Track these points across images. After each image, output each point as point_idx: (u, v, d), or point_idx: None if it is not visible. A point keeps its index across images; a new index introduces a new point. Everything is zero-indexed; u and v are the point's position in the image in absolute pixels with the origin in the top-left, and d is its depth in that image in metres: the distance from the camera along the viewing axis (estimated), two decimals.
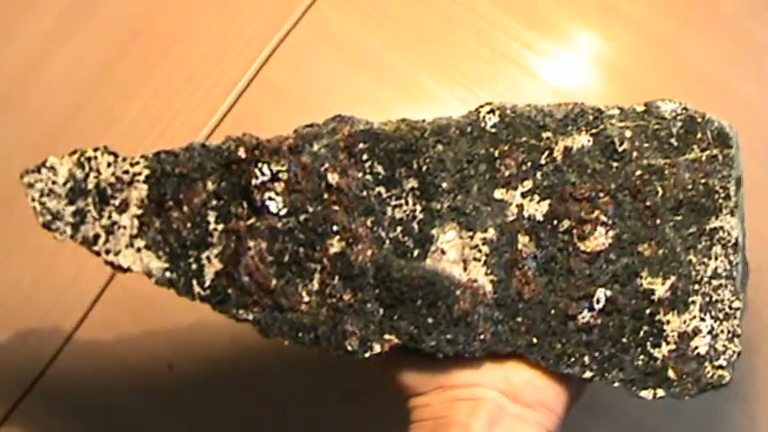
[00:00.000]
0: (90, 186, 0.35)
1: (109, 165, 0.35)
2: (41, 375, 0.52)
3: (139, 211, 0.35)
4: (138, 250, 0.35)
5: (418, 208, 0.36)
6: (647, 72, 0.60)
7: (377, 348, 0.35)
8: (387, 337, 0.35)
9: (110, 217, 0.35)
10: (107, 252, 0.35)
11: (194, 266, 0.35)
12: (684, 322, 0.36)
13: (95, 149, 0.35)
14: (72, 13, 0.60)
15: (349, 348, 0.35)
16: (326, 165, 0.35)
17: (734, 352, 0.36)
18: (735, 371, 0.37)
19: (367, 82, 0.58)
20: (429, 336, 0.35)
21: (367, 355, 0.35)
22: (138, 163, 0.35)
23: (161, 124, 0.57)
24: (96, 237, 0.35)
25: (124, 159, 0.35)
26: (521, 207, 0.36)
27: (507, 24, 0.61)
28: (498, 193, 0.36)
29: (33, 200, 0.34)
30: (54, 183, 0.35)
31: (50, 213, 0.34)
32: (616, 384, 0.36)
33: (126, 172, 0.35)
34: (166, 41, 0.59)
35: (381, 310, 0.35)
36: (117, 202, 0.35)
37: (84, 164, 0.35)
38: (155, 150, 0.36)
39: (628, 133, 0.36)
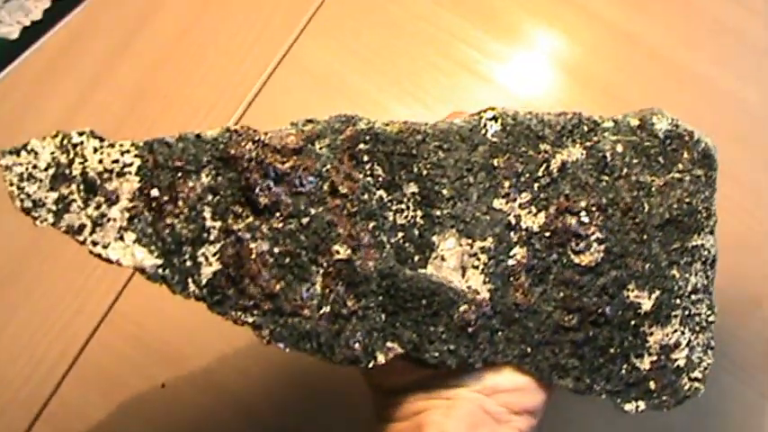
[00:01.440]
0: (75, 173, 0.32)
1: (95, 150, 0.33)
2: (48, 402, 0.51)
3: (130, 204, 0.33)
4: (129, 244, 0.32)
5: (419, 214, 0.35)
6: (610, 70, 0.62)
7: (381, 359, 0.34)
8: (389, 345, 0.34)
9: (98, 207, 0.32)
10: (94, 243, 0.32)
11: (189, 263, 0.33)
12: (666, 335, 0.37)
13: (80, 133, 0.33)
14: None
15: (352, 357, 0.34)
16: (329, 167, 0.34)
17: (708, 364, 0.38)
18: (706, 384, 0.38)
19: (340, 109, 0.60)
20: (432, 345, 0.34)
21: (371, 365, 0.34)
22: (128, 151, 0.33)
23: None
24: (82, 227, 0.32)
25: (112, 145, 0.33)
26: (518, 218, 0.36)
27: (472, 34, 0.62)
28: (497, 203, 0.36)
29: (11, 184, 0.32)
30: (35, 167, 0.32)
31: (30, 199, 0.32)
32: (603, 396, 0.37)
33: (116, 161, 0.33)
34: (168, 98, 0.60)
35: (384, 318, 0.34)
36: (106, 193, 0.32)
37: (68, 149, 0.32)
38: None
39: (619, 148, 0.37)
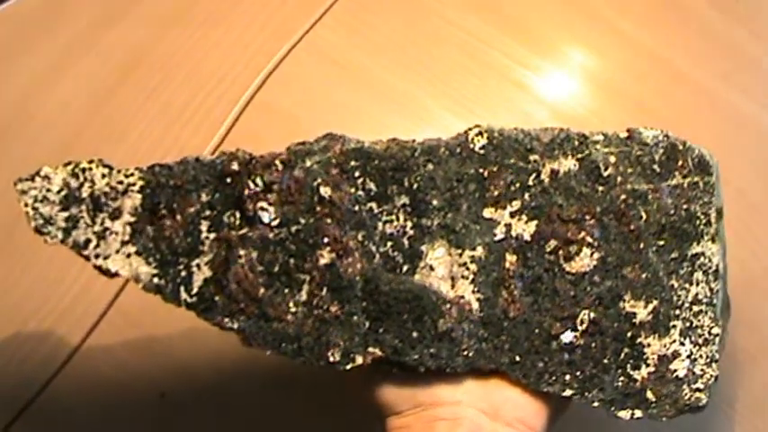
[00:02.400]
0: (84, 195, 0.35)
1: (103, 176, 0.35)
2: (33, 401, 0.52)
3: (132, 219, 0.35)
4: (128, 256, 0.35)
5: (409, 224, 0.36)
6: (638, 86, 0.61)
7: (359, 360, 0.35)
8: (370, 349, 0.35)
9: (102, 223, 0.35)
10: (96, 256, 0.35)
11: (183, 274, 0.35)
12: (665, 346, 0.37)
13: (90, 161, 0.35)
14: (74, 43, 0.62)
15: (331, 360, 0.35)
16: (319, 179, 0.36)
17: (711, 376, 0.37)
18: (711, 394, 0.37)
19: (364, 102, 0.60)
20: (413, 349, 0.35)
21: (349, 366, 0.35)
22: (132, 174, 0.36)
23: (160, 149, 0.58)
24: (87, 241, 0.35)
25: (119, 171, 0.36)
26: (509, 226, 0.37)
27: (500, 41, 0.63)
28: (487, 212, 0.37)
29: (26, 205, 0.34)
30: (48, 191, 0.35)
31: (43, 218, 0.34)
32: (595, 404, 0.36)
33: (120, 182, 0.35)
34: (166, 68, 0.61)
35: (367, 323, 0.35)
36: (110, 210, 0.35)
37: (78, 174, 0.35)
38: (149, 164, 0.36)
39: (612, 158, 0.37)
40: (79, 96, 0.60)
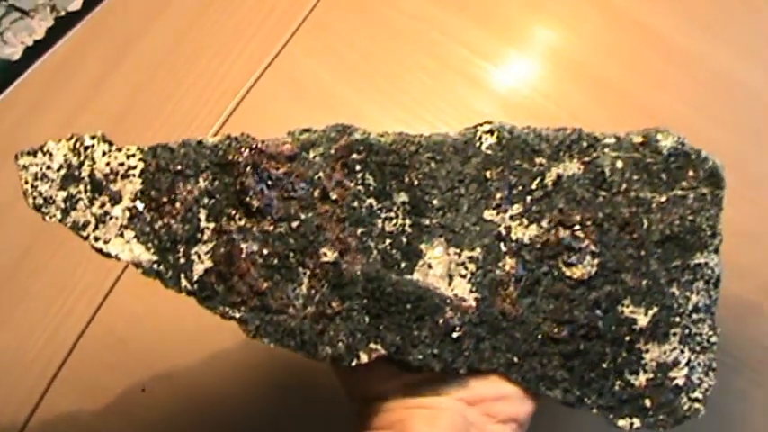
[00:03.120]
0: (84, 174, 0.35)
1: (104, 153, 0.35)
2: (36, 408, 0.54)
3: (132, 204, 0.35)
4: (128, 241, 0.35)
5: (408, 222, 0.36)
6: (607, 59, 0.60)
7: (363, 358, 0.35)
8: (372, 346, 0.35)
9: (102, 206, 0.35)
10: (96, 239, 0.35)
11: (183, 261, 0.35)
12: (664, 353, 0.36)
13: (92, 137, 0.35)
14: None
15: (335, 355, 0.35)
16: (321, 174, 0.36)
17: (709, 385, 0.37)
18: (707, 404, 0.37)
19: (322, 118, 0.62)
20: (415, 348, 0.35)
21: (353, 363, 0.35)
22: (134, 155, 0.35)
23: None
24: (86, 224, 0.35)
25: (119, 149, 0.35)
26: (509, 229, 0.36)
27: (465, 33, 0.62)
28: (488, 214, 0.37)
29: (26, 182, 0.35)
30: (48, 168, 0.35)
31: (41, 197, 0.34)
32: (594, 410, 0.36)
33: (121, 164, 0.35)
34: (137, 101, 0.63)
35: (368, 320, 0.35)
36: (110, 193, 0.35)
37: (80, 151, 0.35)
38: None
39: (619, 164, 0.37)
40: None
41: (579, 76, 0.60)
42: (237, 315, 0.35)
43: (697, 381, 0.37)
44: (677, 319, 0.37)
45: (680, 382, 0.36)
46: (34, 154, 0.35)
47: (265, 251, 0.35)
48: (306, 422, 0.51)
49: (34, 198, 0.35)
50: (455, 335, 0.35)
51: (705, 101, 0.58)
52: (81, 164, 0.35)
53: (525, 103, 0.59)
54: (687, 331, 0.37)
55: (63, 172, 0.35)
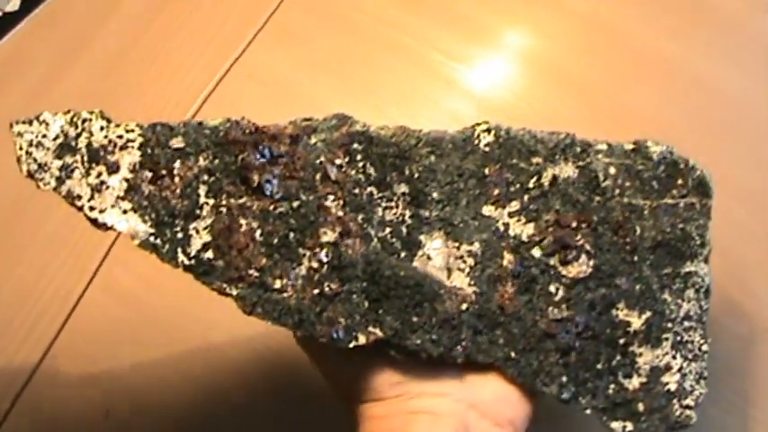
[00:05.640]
0: (81, 145, 0.34)
1: (102, 128, 0.35)
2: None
3: (130, 175, 0.34)
4: (124, 212, 0.34)
5: (408, 213, 0.36)
6: (584, 59, 0.60)
7: (362, 339, 0.34)
8: (371, 329, 0.34)
9: (98, 176, 0.34)
10: (91, 209, 0.33)
11: (180, 235, 0.34)
12: (657, 357, 0.36)
13: (90, 112, 0.35)
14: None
15: (334, 336, 0.34)
16: (323, 157, 0.36)
17: (700, 393, 0.37)
18: (698, 413, 0.37)
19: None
20: (414, 333, 0.34)
21: (352, 344, 0.34)
22: (132, 130, 0.35)
23: None
24: (81, 194, 0.34)
25: (118, 125, 0.35)
26: (507, 225, 0.37)
27: (436, 36, 0.63)
28: (486, 210, 0.37)
29: (21, 148, 0.34)
30: (44, 136, 0.34)
31: (36, 163, 0.34)
32: (588, 412, 0.36)
33: (120, 137, 0.35)
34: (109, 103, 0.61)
35: (366, 303, 0.34)
36: (108, 163, 0.34)
37: (77, 123, 0.34)
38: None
39: (612, 170, 0.38)
40: None
41: (551, 76, 0.61)
42: (235, 292, 0.34)
43: (689, 388, 0.37)
44: (669, 324, 0.37)
45: (672, 387, 0.36)
46: (30, 123, 0.34)
47: (265, 228, 0.34)
48: (306, 422, 0.50)
49: (28, 164, 0.34)
50: (454, 322, 0.35)
51: (675, 99, 0.59)
52: (78, 135, 0.34)
53: (498, 103, 0.60)
54: (679, 338, 0.37)
55: (59, 141, 0.34)
